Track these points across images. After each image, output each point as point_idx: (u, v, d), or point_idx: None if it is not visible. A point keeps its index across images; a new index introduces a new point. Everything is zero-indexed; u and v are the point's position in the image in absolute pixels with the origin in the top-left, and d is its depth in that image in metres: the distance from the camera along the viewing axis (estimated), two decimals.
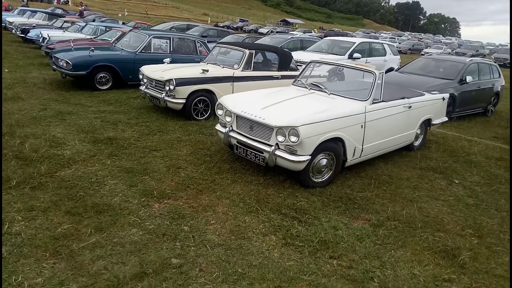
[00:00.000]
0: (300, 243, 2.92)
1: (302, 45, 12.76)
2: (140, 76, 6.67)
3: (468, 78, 7.96)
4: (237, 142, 4.22)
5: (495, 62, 10.76)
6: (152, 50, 8.36)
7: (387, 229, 3.28)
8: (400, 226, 3.36)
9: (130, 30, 9.88)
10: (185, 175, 4.01)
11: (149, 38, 8.34)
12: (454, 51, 33.25)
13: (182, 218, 3.15)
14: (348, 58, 10.39)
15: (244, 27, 49.54)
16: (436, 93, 6.06)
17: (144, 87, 6.53)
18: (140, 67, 6.78)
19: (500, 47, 43.34)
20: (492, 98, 9.09)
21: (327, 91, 4.75)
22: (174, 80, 5.90)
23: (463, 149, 5.88)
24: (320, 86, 4.93)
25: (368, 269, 2.69)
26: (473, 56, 24.31)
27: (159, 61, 7.13)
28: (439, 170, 4.87)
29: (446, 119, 6.17)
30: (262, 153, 3.94)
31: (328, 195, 3.85)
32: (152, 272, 2.45)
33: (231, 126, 4.31)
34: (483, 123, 8.12)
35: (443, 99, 5.91)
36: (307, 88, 4.97)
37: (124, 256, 2.59)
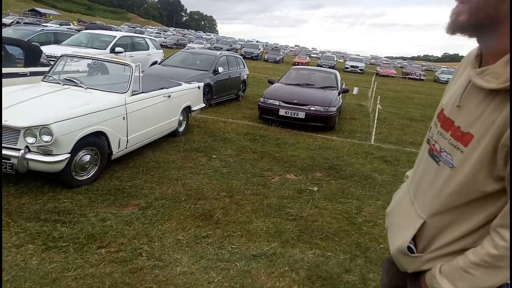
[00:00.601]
0: (64, 244, 2.80)
1: (57, 38, 11.53)
2: None
3: (220, 69, 9.27)
4: None
5: (244, 55, 13.01)
6: None
7: (155, 208, 3.55)
8: (167, 203, 3.70)
9: None
10: None
11: None
12: (213, 46, 37.43)
13: None
14: (110, 52, 10.15)
15: None
16: (195, 83, 6.81)
17: None
18: None
19: (248, 42, 51.77)
20: (241, 85, 10.89)
21: (83, 86, 4.58)
22: None
23: (220, 129, 6.88)
24: (75, 81, 4.70)
25: (137, 247, 2.87)
26: (228, 50, 28.11)
27: None
28: (200, 149, 5.56)
29: (203, 105, 7.02)
30: (9, 159, 3.45)
31: (96, 190, 3.79)
32: None
33: None
34: (235, 106, 9.66)
35: (199, 87, 6.69)
36: (60, 83, 4.64)
37: None
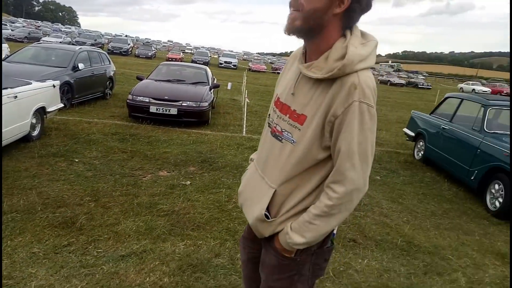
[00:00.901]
0: None
1: None
2: None
3: (81, 65, 8.52)
4: None
5: (111, 50, 12.08)
6: None
7: (3, 223, 3.13)
8: (19, 216, 3.31)
9: None
10: None
11: None
12: (74, 40, 33.82)
13: None
14: None
15: None
16: (50, 81, 6.12)
17: None
18: None
19: (116, 37, 48.41)
20: (108, 82, 10.20)
21: None
22: None
23: (84, 131, 6.38)
24: None
25: None
26: (92, 45, 25.77)
27: None
28: (60, 154, 5.07)
29: (61, 105, 6.40)
30: None
31: None
32: None
33: None
34: (102, 105, 9.04)
35: (54, 86, 6.06)
36: None
37: None
